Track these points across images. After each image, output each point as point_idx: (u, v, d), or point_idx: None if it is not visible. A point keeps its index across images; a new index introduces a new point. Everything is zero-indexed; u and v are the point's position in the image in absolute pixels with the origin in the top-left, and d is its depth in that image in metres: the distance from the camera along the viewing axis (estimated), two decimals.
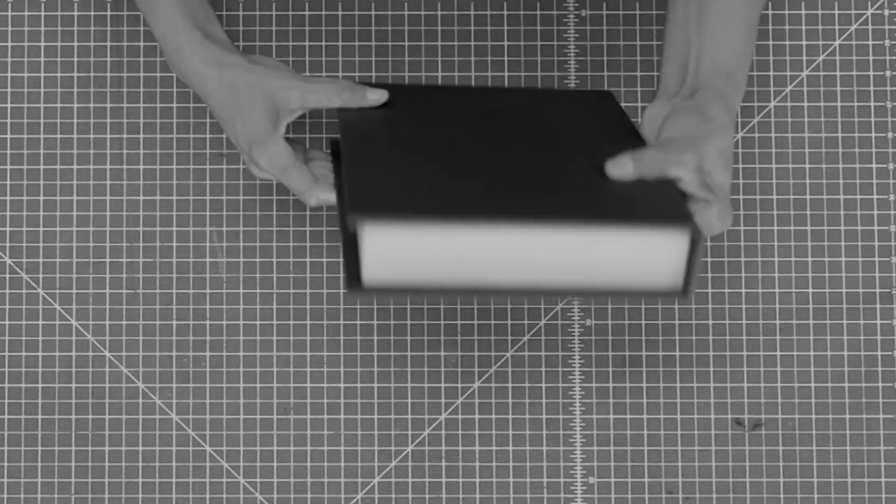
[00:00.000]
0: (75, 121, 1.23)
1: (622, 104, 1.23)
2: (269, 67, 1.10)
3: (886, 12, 1.24)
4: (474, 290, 0.93)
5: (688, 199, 1.05)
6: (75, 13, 1.24)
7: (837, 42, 1.24)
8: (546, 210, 0.92)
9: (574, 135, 1.06)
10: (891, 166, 1.23)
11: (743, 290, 1.21)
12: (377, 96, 1.10)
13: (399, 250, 0.93)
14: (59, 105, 1.23)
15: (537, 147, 1.03)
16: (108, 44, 1.24)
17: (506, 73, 1.23)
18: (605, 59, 1.23)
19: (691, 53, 1.10)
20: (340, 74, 1.23)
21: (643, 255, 0.94)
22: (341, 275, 1.22)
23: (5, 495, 1.20)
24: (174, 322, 1.21)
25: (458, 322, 1.21)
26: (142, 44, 1.24)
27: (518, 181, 0.97)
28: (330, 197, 1.09)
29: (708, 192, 1.04)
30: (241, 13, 1.23)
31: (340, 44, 1.23)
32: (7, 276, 1.22)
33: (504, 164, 0.99)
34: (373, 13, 1.24)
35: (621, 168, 1.02)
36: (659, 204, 0.96)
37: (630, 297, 0.95)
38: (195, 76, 1.10)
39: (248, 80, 1.09)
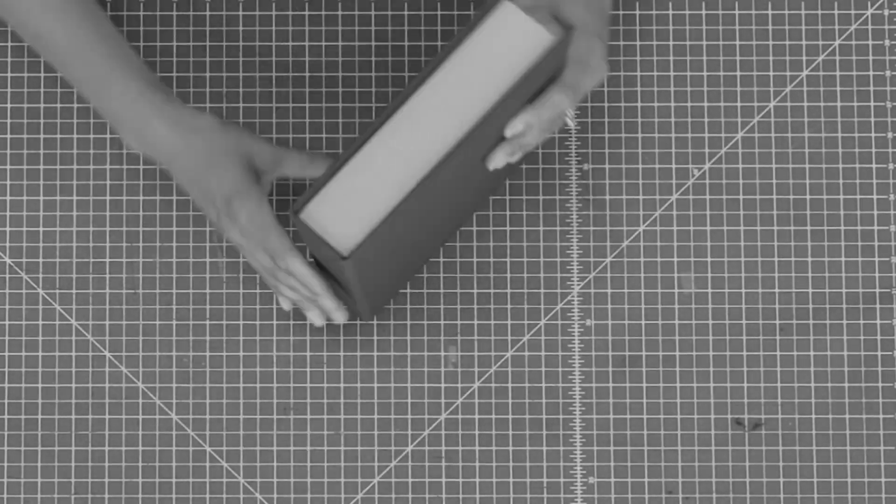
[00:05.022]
0: (75, 121, 1.23)
1: (622, 104, 1.23)
2: (242, 131, 1.08)
3: (886, 12, 1.24)
4: (426, 180, 0.96)
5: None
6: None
7: (837, 42, 1.24)
8: (411, 83, 0.98)
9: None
10: (891, 166, 1.23)
11: (743, 290, 1.21)
12: (339, 316, 1.11)
13: (340, 204, 0.96)
14: (58, 105, 1.23)
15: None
16: None
17: None
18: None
19: None
20: (340, 74, 1.23)
21: (502, 42, 0.98)
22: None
23: (5, 495, 1.20)
24: (174, 322, 1.21)
25: (458, 322, 1.21)
26: (142, 44, 1.24)
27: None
28: (298, 269, 1.07)
29: (560, 29, 1.02)
30: (240, 13, 1.24)
31: (340, 44, 1.23)
32: (7, 276, 1.22)
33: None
34: (373, 13, 1.24)
35: (500, 158, 1.04)
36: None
37: (533, 72, 0.97)
38: (163, 141, 1.07)
39: (221, 141, 1.07)
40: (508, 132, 1.02)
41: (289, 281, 1.09)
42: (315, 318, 1.14)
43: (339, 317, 1.12)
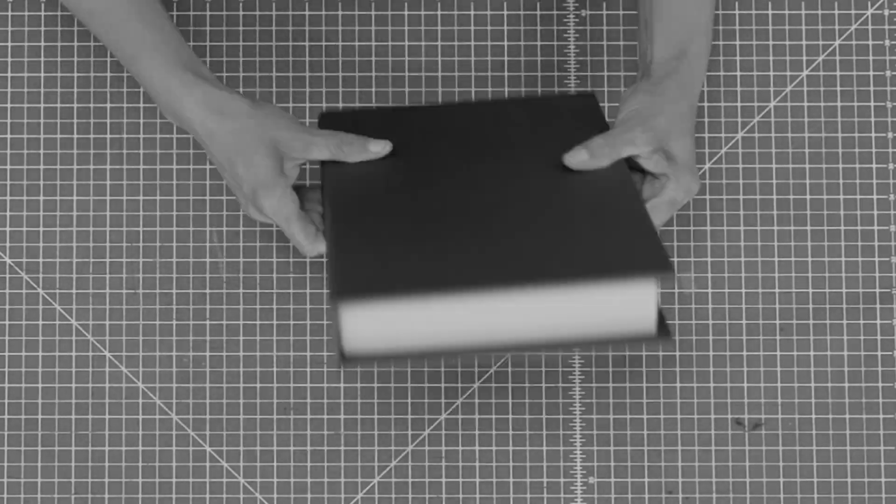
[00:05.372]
0: (75, 121, 1.23)
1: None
2: (271, 114, 1.07)
3: (886, 12, 1.24)
4: (455, 352, 0.97)
5: (651, 177, 1.08)
6: None
7: (837, 42, 1.24)
8: (515, 273, 0.95)
9: (550, 149, 1.08)
10: (891, 166, 1.23)
11: (743, 290, 1.21)
12: (379, 148, 1.08)
13: (377, 325, 0.96)
14: (59, 105, 1.23)
15: (510, 182, 1.05)
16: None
17: (506, 73, 1.23)
18: (605, 59, 1.23)
19: (647, 36, 1.12)
20: (341, 75, 1.23)
21: (614, 306, 0.97)
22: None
23: (5, 495, 1.20)
24: (174, 322, 1.21)
25: None
26: None
27: (493, 229, 1.00)
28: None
29: (666, 165, 1.07)
30: (241, 13, 1.24)
31: (340, 44, 1.23)
32: (7, 276, 1.22)
33: (482, 215, 1.02)
34: (373, 13, 1.24)
35: (576, 157, 1.06)
36: (624, 238, 0.98)
37: (612, 344, 0.97)
38: (194, 120, 1.07)
39: (251, 126, 1.06)
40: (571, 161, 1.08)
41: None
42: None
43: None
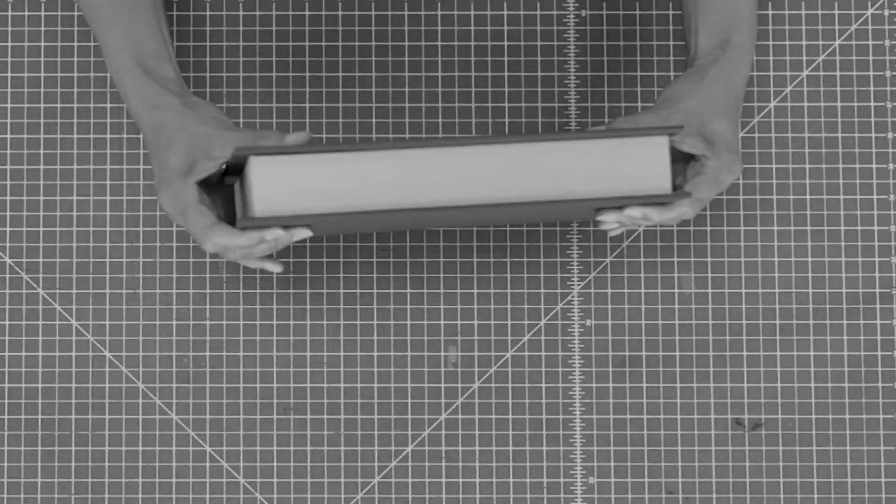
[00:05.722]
0: (75, 121, 1.23)
1: (622, 104, 1.23)
2: (199, 113, 1.08)
3: (886, 12, 1.24)
4: (370, 213, 0.95)
5: (693, 161, 1.09)
6: (75, 13, 1.24)
7: (837, 42, 1.24)
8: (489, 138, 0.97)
9: None
10: (891, 166, 1.23)
11: (743, 290, 1.21)
12: (293, 139, 1.08)
13: (289, 181, 0.96)
14: (59, 105, 1.23)
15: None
16: None
17: (506, 73, 1.23)
18: (605, 59, 1.23)
19: (691, 29, 1.12)
20: (341, 75, 1.23)
21: (631, 164, 0.97)
22: (343, 273, 1.22)
23: (5, 495, 1.20)
24: (174, 322, 1.21)
25: (458, 322, 1.21)
26: None
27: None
28: (227, 240, 1.05)
29: (703, 147, 1.07)
30: (241, 13, 1.24)
31: (340, 44, 1.23)
32: (7, 276, 1.22)
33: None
34: (373, 13, 1.24)
35: (610, 214, 1.07)
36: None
37: (632, 202, 0.97)
38: (132, 113, 1.10)
39: (174, 122, 1.08)
40: (606, 224, 1.09)
41: (229, 254, 1.08)
42: (268, 264, 1.12)
43: (301, 232, 1.09)
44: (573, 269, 1.22)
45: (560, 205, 0.97)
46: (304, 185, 0.97)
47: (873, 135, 1.23)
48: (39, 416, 1.20)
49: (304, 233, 1.05)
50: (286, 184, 0.98)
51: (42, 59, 1.23)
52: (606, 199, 0.97)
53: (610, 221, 1.07)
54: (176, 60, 1.15)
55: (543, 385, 1.21)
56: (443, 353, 1.21)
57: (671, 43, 1.24)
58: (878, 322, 1.21)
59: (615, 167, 0.99)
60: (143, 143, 1.11)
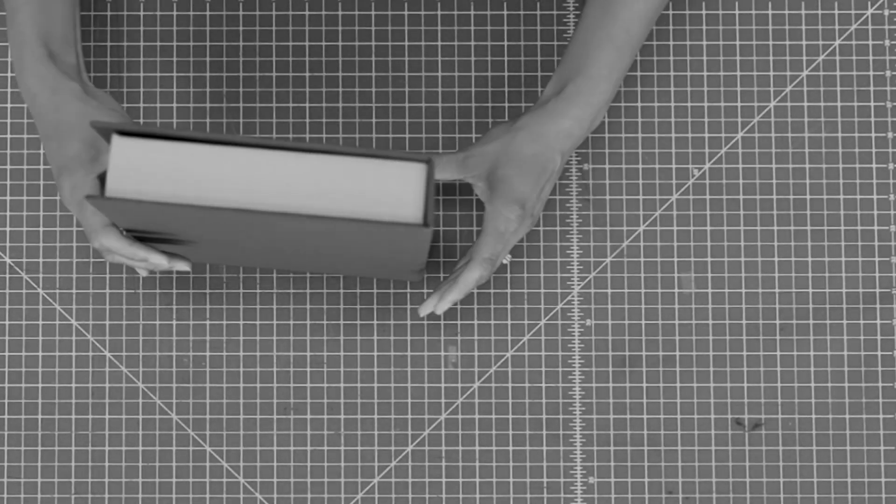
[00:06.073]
0: None
1: (622, 104, 1.23)
2: (102, 103, 1.08)
3: (886, 12, 1.24)
4: (217, 209, 0.94)
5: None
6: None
7: (837, 42, 1.24)
8: (286, 144, 0.96)
9: None
10: (891, 166, 1.23)
11: (743, 290, 1.21)
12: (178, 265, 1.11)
13: (144, 164, 0.95)
14: None
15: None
16: (108, 44, 1.24)
17: (506, 73, 1.23)
18: None
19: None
20: (341, 74, 1.23)
21: (384, 187, 0.96)
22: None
23: (5, 495, 1.20)
24: (174, 322, 1.21)
25: (458, 322, 1.21)
26: (142, 43, 1.24)
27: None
28: (114, 244, 1.06)
29: (488, 193, 1.10)
30: (241, 13, 1.23)
31: (340, 44, 1.23)
32: (7, 276, 1.22)
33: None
34: (373, 13, 1.24)
35: (427, 304, 1.13)
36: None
37: (374, 228, 0.95)
38: (27, 91, 1.09)
39: (76, 108, 1.07)
40: (423, 312, 1.13)
41: (112, 257, 1.09)
42: (143, 272, 1.15)
43: (181, 265, 1.11)
44: (573, 269, 1.22)
45: (308, 221, 0.96)
46: (158, 171, 0.96)
47: (873, 135, 1.23)
48: (39, 416, 1.20)
49: (184, 266, 1.10)
50: (142, 166, 0.96)
51: None
52: (358, 221, 0.95)
53: (429, 307, 1.12)
54: (81, 49, 1.15)
55: (543, 385, 1.21)
56: (443, 353, 1.21)
57: (671, 43, 1.24)
58: (878, 322, 1.21)
59: (371, 189, 0.97)
60: (37, 128, 1.10)
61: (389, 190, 0.96)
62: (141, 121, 1.23)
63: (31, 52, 1.09)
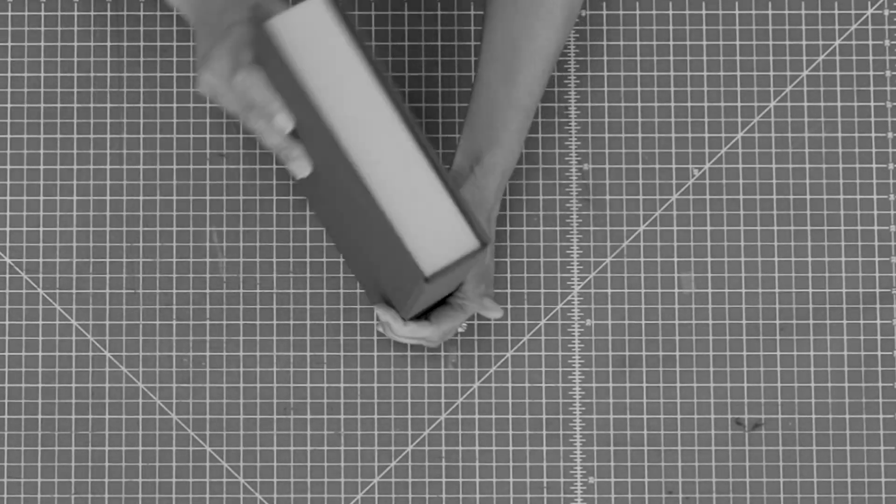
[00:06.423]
0: (75, 121, 1.23)
1: (622, 104, 1.23)
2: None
3: (886, 12, 1.24)
4: (321, 111, 0.97)
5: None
6: (75, 13, 1.24)
7: (837, 42, 1.24)
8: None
9: None
10: (891, 166, 1.23)
11: (743, 290, 1.21)
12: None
13: (316, 36, 0.98)
14: (59, 105, 1.23)
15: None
16: (108, 44, 1.24)
17: None
18: (605, 58, 1.23)
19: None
20: None
21: (434, 222, 0.98)
22: (343, 273, 1.22)
23: (5, 495, 1.20)
24: (174, 322, 1.21)
25: None
26: (142, 44, 1.24)
27: None
28: (218, 85, 1.01)
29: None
30: None
31: None
32: (7, 276, 1.22)
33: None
34: (373, 13, 1.24)
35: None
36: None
37: (394, 243, 0.97)
38: None
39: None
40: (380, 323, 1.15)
41: (218, 100, 1.04)
42: (298, 169, 1.07)
43: (300, 166, 1.06)
44: (573, 269, 1.22)
45: None
46: (320, 51, 0.98)
47: (873, 135, 1.23)
48: (39, 416, 1.20)
49: (302, 170, 1.05)
50: (313, 38, 0.97)
51: (42, 59, 1.23)
52: (390, 230, 0.98)
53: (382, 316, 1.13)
54: None
55: (543, 385, 1.21)
56: (443, 353, 1.21)
57: (671, 43, 1.24)
58: (878, 322, 1.21)
59: (429, 219, 0.99)
60: (186, 13, 1.06)
61: (436, 231, 0.98)
62: (141, 121, 1.23)
63: None
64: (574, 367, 1.21)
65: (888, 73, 1.23)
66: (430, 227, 0.98)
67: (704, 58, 1.24)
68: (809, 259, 1.22)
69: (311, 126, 0.99)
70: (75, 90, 1.23)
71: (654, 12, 1.24)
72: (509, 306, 1.21)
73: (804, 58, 1.24)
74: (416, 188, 0.98)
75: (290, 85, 0.98)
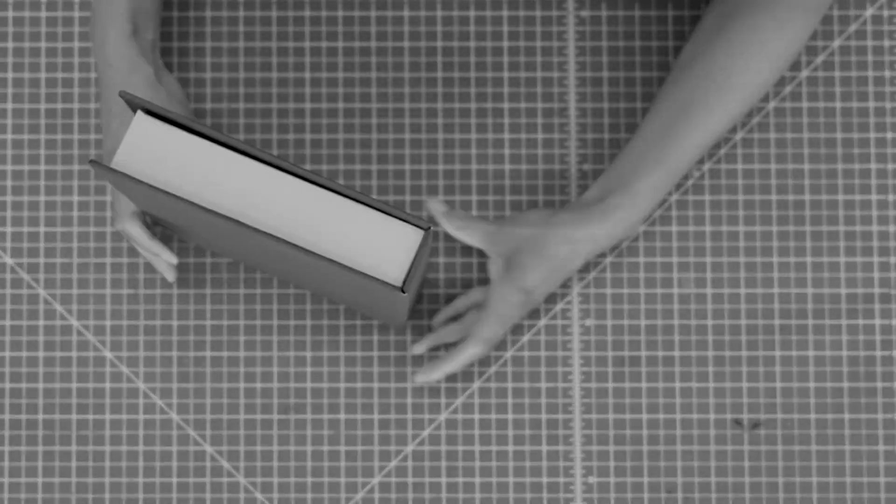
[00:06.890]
0: (75, 121, 1.23)
1: (622, 104, 1.23)
2: (170, 94, 1.11)
3: (886, 12, 1.24)
4: (209, 211, 0.95)
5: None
6: (75, 13, 1.24)
7: (837, 42, 1.24)
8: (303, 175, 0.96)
9: None
10: (890, 166, 1.23)
11: (743, 290, 1.22)
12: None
13: (157, 146, 0.96)
14: (59, 105, 1.23)
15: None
16: None
17: (506, 74, 1.23)
18: (605, 59, 1.23)
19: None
20: (341, 75, 1.23)
21: (376, 240, 0.96)
22: None
23: (5, 495, 1.20)
24: (174, 322, 1.21)
25: None
26: None
27: None
28: (134, 231, 1.10)
29: (501, 273, 1.13)
30: (241, 13, 1.24)
31: (340, 44, 1.23)
32: (7, 276, 1.22)
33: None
34: (373, 13, 1.24)
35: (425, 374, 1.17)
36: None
37: (353, 277, 0.95)
38: (104, 63, 1.11)
39: (144, 94, 1.09)
40: (418, 380, 1.16)
41: (133, 244, 1.12)
42: (168, 275, 1.17)
43: (169, 274, 1.17)
44: None
45: (304, 256, 0.96)
46: (168, 157, 0.96)
47: (873, 135, 1.23)
48: (40, 416, 1.21)
49: (170, 276, 1.16)
50: (155, 148, 0.96)
51: (42, 59, 1.23)
52: (340, 265, 0.95)
53: (423, 377, 1.15)
54: (160, 22, 1.16)
55: (543, 385, 1.21)
56: (443, 354, 1.21)
57: (671, 43, 1.24)
58: (878, 322, 1.21)
59: (362, 238, 0.96)
60: (101, 101, 1.11)
61: (380, 245, 0.96)
62: None
63: (119, 28, 1.11)
64: (573, 367, 1.21)
65: (888, 73, 1.23)
66: (373, 243, 0.96)
67: None
68: (809, 259, 1.22)
69: (207, 222, 0.98)
70: (75, 90, 1.23)
71: (653, 13, 1.24)
72: None
73: (804, 58, 1.24)
74: (335, 217, 0.96)
75: (166, 202, 0.97)
